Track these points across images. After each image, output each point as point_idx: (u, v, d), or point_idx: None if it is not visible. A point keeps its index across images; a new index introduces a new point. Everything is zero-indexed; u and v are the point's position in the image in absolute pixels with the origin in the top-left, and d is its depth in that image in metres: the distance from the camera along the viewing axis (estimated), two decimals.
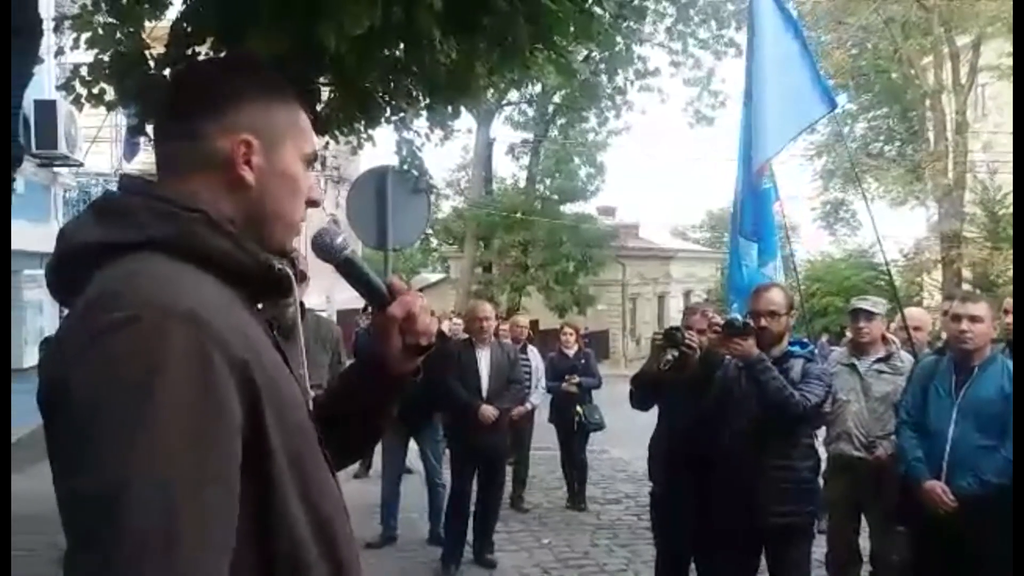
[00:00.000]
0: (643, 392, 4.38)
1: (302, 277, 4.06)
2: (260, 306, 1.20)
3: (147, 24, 4.74)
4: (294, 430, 1.06)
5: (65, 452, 0.92)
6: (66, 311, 1.04)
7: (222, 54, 4.51)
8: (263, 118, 1.12)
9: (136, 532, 0.85)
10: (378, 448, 6.38)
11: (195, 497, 0.89)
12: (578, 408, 7.52)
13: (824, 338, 18.64)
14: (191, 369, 0.91)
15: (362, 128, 5.81)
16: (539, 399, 7.47)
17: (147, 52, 4.63)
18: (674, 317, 28.62)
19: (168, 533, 0.86)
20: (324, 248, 1.25)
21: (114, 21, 4.64)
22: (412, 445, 6.43)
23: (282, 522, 1.02)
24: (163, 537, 0.86)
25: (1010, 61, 18.57)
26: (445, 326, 9.26)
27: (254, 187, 1.11)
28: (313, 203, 1.21)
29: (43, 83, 8.47)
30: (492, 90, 6.65)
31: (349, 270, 1.26)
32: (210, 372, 0.92)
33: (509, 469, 7.30)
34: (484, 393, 5.57)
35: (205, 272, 1.03)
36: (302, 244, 1.32)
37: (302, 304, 4.28)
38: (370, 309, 1.33)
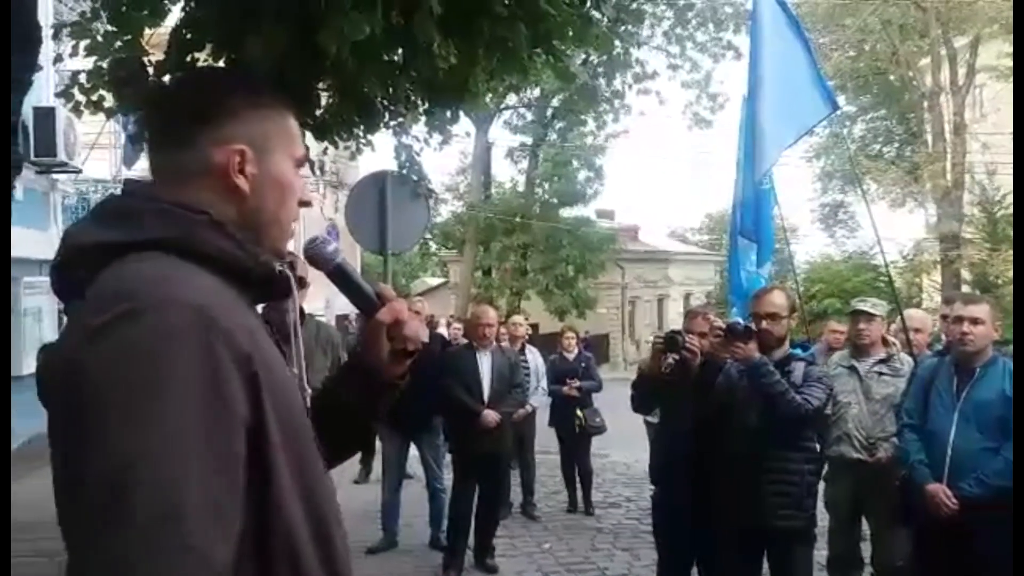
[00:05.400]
0: (644, 396, 4.38)
1: (302, 283, 4.08)
2: (260, 308, 1.23)
3: (146, 31, 4.73)
4: (295, 428, 1.09)
5: (75, 441, 0.94)
6: (66, 316, 1.07)
7: (220, 61, 4.51)
8: (255, 127, 1.17)
9: (146, 510, 0.88)
10: (378, 453, 6.40)
11: (202, 479, 0.92)
12: (579, 412, 7.51)
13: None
14: (199, 360, 0.95)
15: (361, 133, 5.80)
16: (539, 401, 7.44)
17: (146, 59, 4.62)
18: (674, 320, 28.63)
19: (177, 512, 0.89)
20: (316, 256, 1.30)
21: (113, 28, 4.64)
22: (412, 450, 6.43)
23: (279, 515, 1.04)
24: (173, 515, 0.89)
25: (1008, 62, 18.61)
26: (443, 330, 9.25)
27: (249, 194, 1.16)
28: (305, 203, 1.26)
29: (42, 90, 8.47)
30: (491, 94, 6.65)
31: (340, 277, 1.31)
32: (217, 363, 0.96)
33: (515, 476, 7.30)
34: (485, 398, 5.57)
35: (208, 272, 1.07)
36: (300, 250, 1.35)
37: (302, 309, 4.31)
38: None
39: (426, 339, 1.35)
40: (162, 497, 0.89)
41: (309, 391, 1.22)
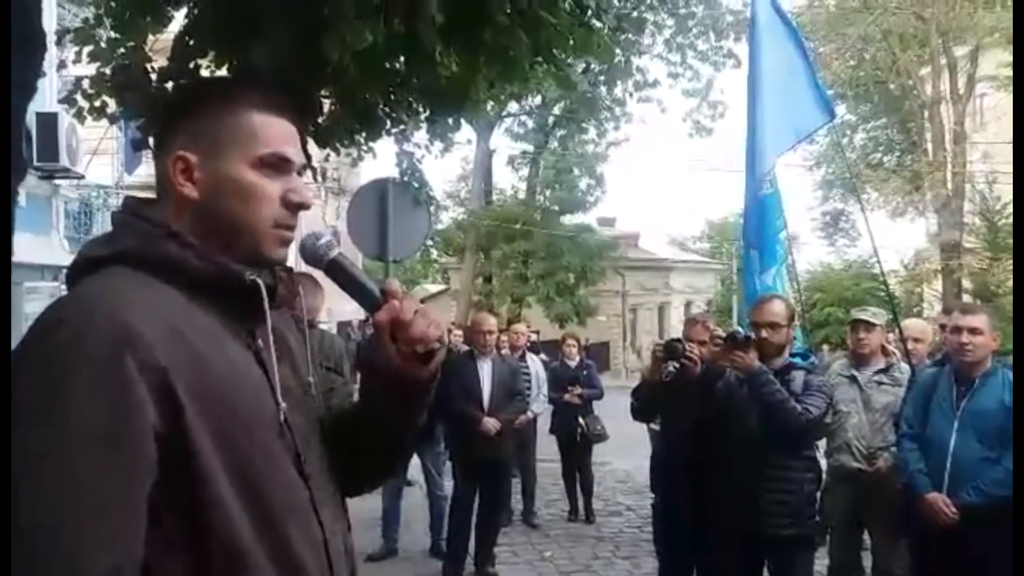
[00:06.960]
0: (644, 404, 4.39)
1: (312, 323, 3.98)
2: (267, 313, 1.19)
3: (149, 37, 4.75)
4: (238, 431, 1.07)
5: None
6: None
7: (223, 68, 4.53)
8: (200, 131, 1.16)
9: (27, 531, 0.92)
10: None
11: (89, 495, 0.94)
12: (580, 420, 7.50)
13: (826, 348, 18.63)
14: (101, 373, 0.97)
15: (363, 140, 5.81)
16: (541, 407, 7.42)
17: (149, 65, 4.63)
18: (674, 327, 28.61)
19: (56, 531, 0.92)
20: (309, 251, 1.22)
21: (116, 35, 4.65)
22: (413, 457, 6.43)
23: (214, 514, 1.04)
24: (52, 535, 0.92)
25: (1008, 71, 18.64)
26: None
27: (200, 199, 1.14)
28: (300, 206, 1.19)
29: (45, 96, 8.48)
30: (492, 102, 6.67)
31: (337, 273, 1.22)
32: (119, 376, 0.97)
33: (516, 483, 7.29)
34: (485, 405, 5.56)
35: (166, 283, 1.08)
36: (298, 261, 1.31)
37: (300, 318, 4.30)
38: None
39: (440, 339, 1.26)
40: (45, 518, 0.92)
41: (284, 405, 1.14)
